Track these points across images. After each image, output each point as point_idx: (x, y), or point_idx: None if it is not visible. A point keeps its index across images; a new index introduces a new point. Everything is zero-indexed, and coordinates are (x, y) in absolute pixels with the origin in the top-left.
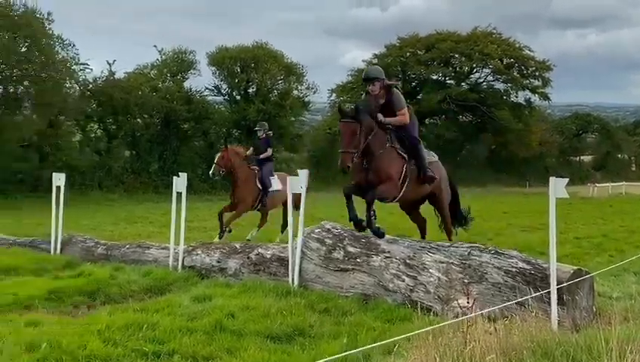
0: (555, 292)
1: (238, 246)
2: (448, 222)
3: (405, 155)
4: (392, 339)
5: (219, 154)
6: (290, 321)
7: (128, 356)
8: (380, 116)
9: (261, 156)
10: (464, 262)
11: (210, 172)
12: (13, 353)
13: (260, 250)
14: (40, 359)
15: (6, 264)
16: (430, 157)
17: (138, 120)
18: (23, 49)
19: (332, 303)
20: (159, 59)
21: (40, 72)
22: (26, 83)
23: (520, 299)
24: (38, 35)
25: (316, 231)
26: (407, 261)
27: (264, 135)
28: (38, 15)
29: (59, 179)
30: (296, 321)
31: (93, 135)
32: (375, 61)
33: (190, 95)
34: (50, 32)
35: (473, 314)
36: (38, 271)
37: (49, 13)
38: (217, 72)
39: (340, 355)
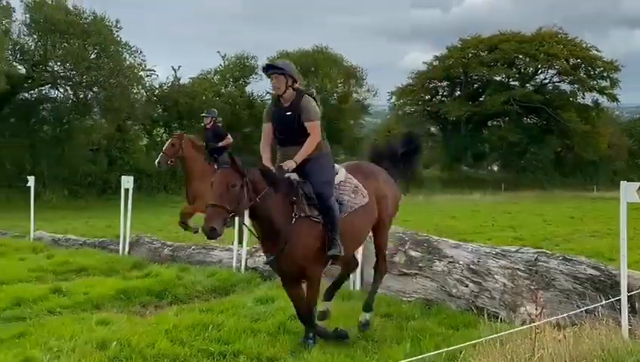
0: (626, 299)
1: None
2: None
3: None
4: (458, 346)
5: (168, 142)
6: (352, 324)
7: (195, 356)
8: (288, 165)
9: (217, 146)
10: (531, 268)
11: (156, 161)
12: (85, 351)
13: None
14: (110, 357)
15: (77, 264)
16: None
17: (202, 124)
18: (93, 56)
19: (394, 308)
20: (222, 64)
21: (109, 78)
22: (95, 89)
23: (590, 307)
24: (107, 42)
25: None
26: (472, 266)
27: (211, 123)
28: (106, 23)
29: (127, 182)
30: (358, 325)
31: (159, 139)
32: (436, 63)
33: (252, 99)
34: (119, 39)
35: (541, 322)
36: (108, 272)
37: (117, 21)
38: None
39: (405, 361)
